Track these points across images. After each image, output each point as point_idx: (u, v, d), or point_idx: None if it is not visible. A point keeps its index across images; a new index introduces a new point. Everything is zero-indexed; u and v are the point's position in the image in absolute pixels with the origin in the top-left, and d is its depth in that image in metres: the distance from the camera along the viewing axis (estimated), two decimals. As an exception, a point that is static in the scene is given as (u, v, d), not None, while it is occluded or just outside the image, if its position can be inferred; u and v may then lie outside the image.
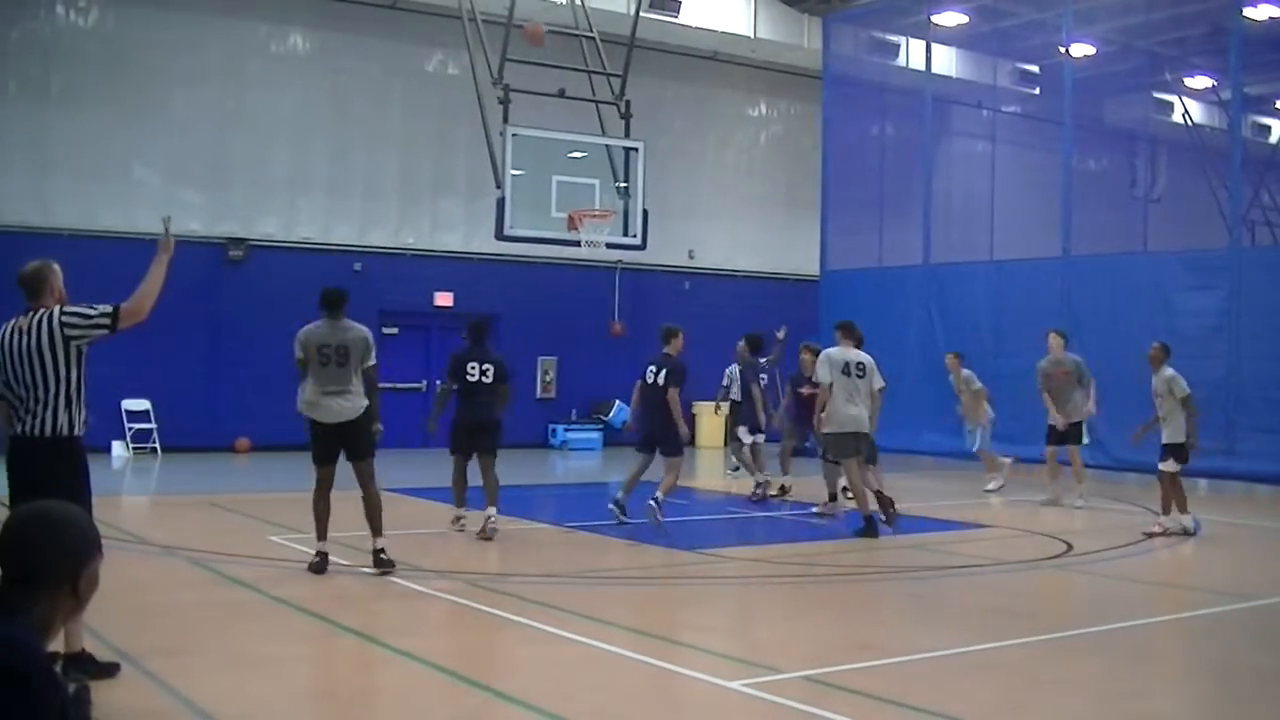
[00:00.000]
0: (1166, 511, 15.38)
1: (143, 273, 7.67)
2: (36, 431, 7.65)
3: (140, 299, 7.68)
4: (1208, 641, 10.01)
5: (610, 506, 15.19)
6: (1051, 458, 18.74)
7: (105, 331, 7.70)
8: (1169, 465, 15.19)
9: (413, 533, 14.85)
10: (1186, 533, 15.15)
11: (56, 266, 7.97)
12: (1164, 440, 15.27)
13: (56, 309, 7.74)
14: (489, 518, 14.13)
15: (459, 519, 14.74)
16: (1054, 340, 18.83)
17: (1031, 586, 12.23)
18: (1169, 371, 15.39)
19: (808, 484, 18.41)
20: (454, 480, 14.75)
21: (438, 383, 16.04)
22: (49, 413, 7.64)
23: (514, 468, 20.57)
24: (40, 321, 7.67)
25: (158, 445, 23.87)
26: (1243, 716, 7.85)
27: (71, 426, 7.73)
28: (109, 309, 7.68)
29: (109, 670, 7.72)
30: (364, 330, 11.84)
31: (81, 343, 7.72)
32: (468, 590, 11.02)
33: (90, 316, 7.70)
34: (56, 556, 3.37)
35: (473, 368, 14.36)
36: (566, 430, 28.51)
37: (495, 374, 14.39)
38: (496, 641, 9.24)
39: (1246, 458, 20.79)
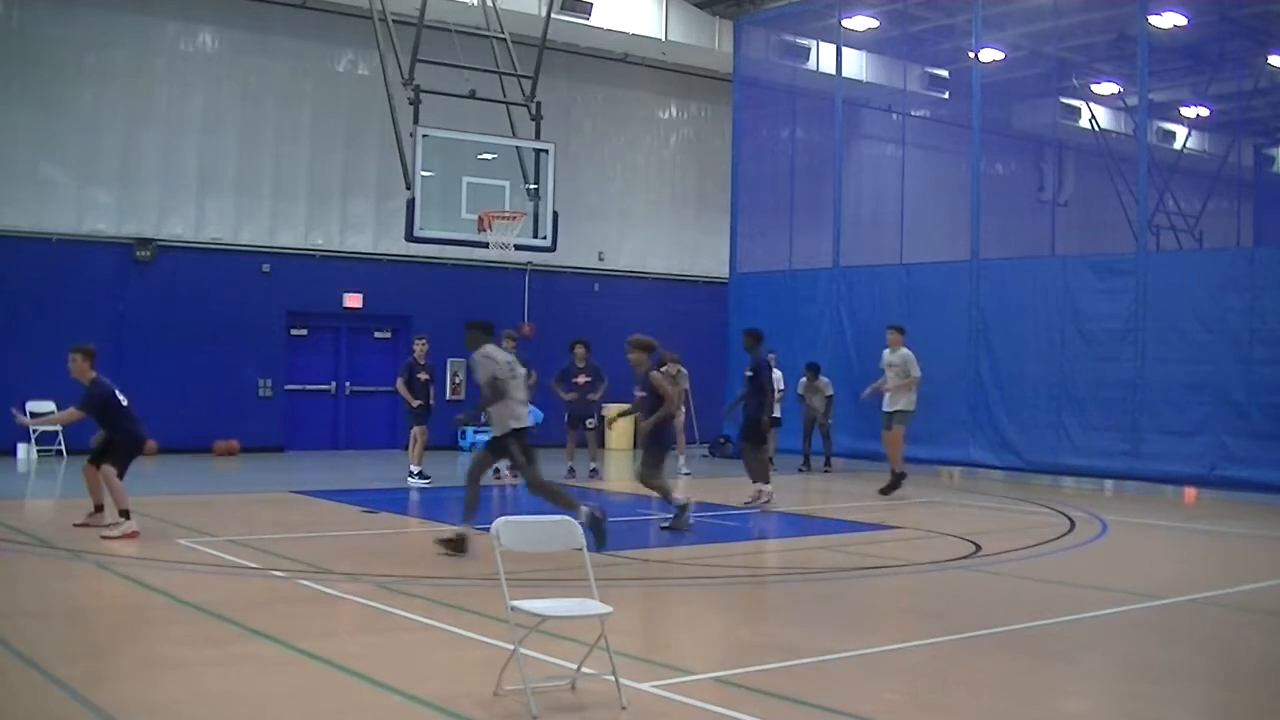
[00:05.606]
0: None
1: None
2: None
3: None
4: (1115, 640, 10.12)
5: None
6: None
7: None
8: None
9: (319, 535, 14.77)
10: None
11: None
12: None
13: None
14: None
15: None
16: None
17: (940, 587, 12.30)
18: None
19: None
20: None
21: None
22: None
23: (425, 469, 20.52)
24: None
25: (63, 448, 23.40)
26: (1151, 714, 7.94)
27: None
28: None
29: None
30: None
31: None
32: (376, 593, 10.96)
33: None
34: None
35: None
36: (476, 432, 28.31)
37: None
38: (407, 644, 9.18)
39: (1151, 459, 21.08)
